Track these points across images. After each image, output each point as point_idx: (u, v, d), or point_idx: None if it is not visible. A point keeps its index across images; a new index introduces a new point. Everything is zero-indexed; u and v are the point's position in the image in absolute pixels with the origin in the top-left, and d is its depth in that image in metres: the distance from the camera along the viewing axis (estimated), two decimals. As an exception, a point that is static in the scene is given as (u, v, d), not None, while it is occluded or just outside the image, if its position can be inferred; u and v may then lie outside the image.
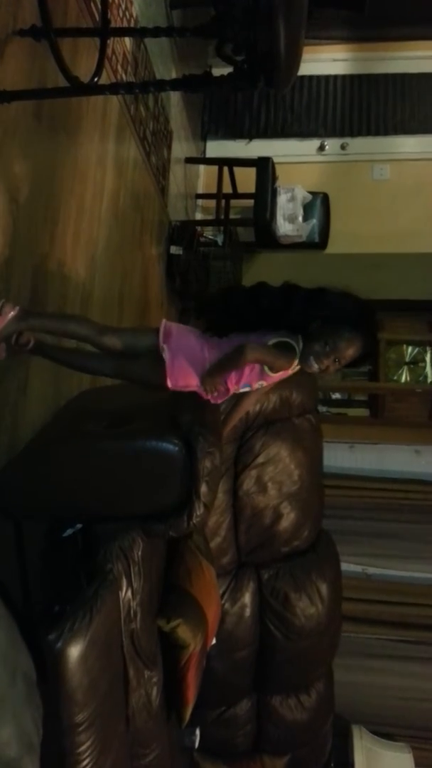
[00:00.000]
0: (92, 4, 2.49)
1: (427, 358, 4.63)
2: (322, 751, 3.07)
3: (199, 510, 1.81)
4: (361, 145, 4.97)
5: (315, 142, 4.99)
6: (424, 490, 4.30)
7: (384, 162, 4.94)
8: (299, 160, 4.95)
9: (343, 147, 4.99)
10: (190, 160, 4.64)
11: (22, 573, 1.92)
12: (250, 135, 4.99)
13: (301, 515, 2.77)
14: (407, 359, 4.65)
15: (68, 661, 1.51)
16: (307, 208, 4.69)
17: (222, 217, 4.48)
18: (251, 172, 4.39)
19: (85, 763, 1.59)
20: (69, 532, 1.98)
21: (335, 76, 5.00)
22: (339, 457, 4.38)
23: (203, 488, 1.81)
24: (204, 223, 4.62)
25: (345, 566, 3.05)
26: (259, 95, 4.97)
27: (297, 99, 5.00)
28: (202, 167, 5.03)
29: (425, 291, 4.57)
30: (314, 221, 4.74)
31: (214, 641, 2.28)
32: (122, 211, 3.14)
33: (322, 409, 4.50)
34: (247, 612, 2.68)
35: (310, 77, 4.96)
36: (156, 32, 2.19)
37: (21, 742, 1.30)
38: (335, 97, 5.00)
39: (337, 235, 4.81)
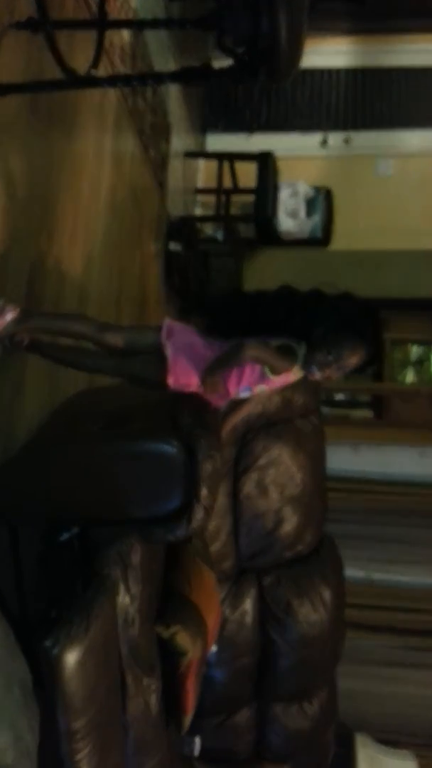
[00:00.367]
0: (89, -5, 2.50)
1: (433, 358, 4.64)
2: (324, 760, 3.07)
3: (199, 514, 1.82)
4: (364, 139, 4.97)
5: (317, 136, 5.00)
6: (429, 494, 4.30)
7: (388, 157, 4.95)
8: (301, 154, 4.95)
9: (346, 141, 4.99)
10: (189, 155, 4.65)
11: (18, 578, 1.92)
12: (251, 128, 4.99)
13: (304, 519, 2.77)
14: (413, 359, 4.66)
15: (65, 667, 1.52)
16: (310, 204, 4.70)
17: (222, 212, 4.49)
18: (252, 166, 4.40)
19: (82, 771, 1.60)
20: (66, 536, 1.99)
21: (338, 69, 5.00)
22: (342, 459, 4.38)
23: (203, 492, 1.82)
24: (204, 219, 4.63)
25: (349, 571, 3.05)
26: (260, 88, 4.98)
27: (299, 92, 5.00)
28: (201, 161, 5.03)
29: (430, 289, 4.57)
30: (317, 217, 4.74)
31: (214, 648, 2.29)
32: (120, 206, 3.14)
33: (324, 410, 4.50)
34: (248, 618, 2.68)
35: (313, 70, 4.96)
36: (154, 24, 2.21)
37: (18, 750, 1.31)
38: (338, 91, 5.00)
39: (341, 232, 4.82)
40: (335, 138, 4.99)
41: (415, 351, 4.68)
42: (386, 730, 3.63)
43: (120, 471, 1.85)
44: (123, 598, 1.79)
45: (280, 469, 2.73)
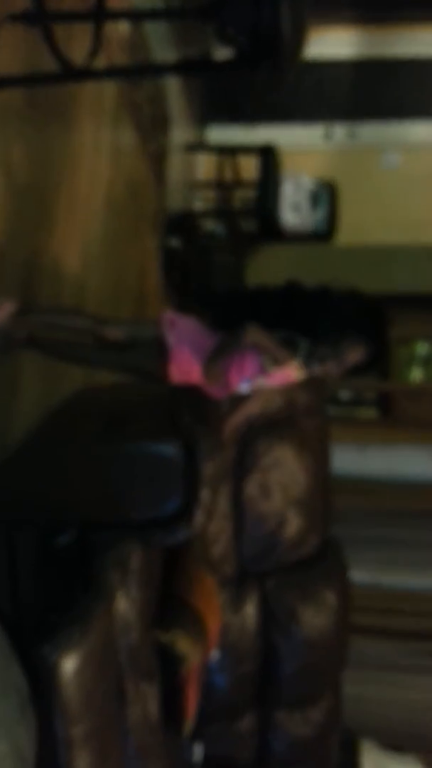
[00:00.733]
0: (86, -15, 2.50)
1: (440, 356, 4.63)
2: (328, 767, 3.08)
3: (199, 516, 1.83)
4: (369, 131, 4.97)
5: (321, 129, 4.99)
6: (437, 495, 4.30)
7: (394, 149, 4.94)
8: (305, 147, 4.95)
9: (351, 133, 4.99)
10: (189, 148, 4.65)
11: (13, 582, 1.93)
12: (253, 121, 4.99)
13: (308, 521, 2.77)
14: (419, 356, 4.65)
15: (63, 674, 1.52)
16: (313, 198, 4.69)
17: (223, 207, 4.48)
18: (254, 159, 4.39)
19: (81, 780, 1.60)
20: (63, 539, 2.00)
21: (342, 60, 4.99)
22: (348, 459, 4.37)
23: (204, 493, 1.82)
24: (204, 213, 4.63)
25: (354, 575, 3.06)
26: (261, 80, 4.97)
27: (302, 83, 5.00)
28: (202, 155, 5.03)
29: (438, 284, 4.57)
30: (320, 212, 4.74)
31: (215, 653, 2.30)
32: (118, 200, 3.15)
33: (329, 409, 4.50)
34: (251, 623, 2.68)
35: (316, 61, 4.95)
36: (153, 15, 2.21)
37: (15, 758, 1.31)
38: (342, 82, 4.99)
39: (345, 226, 4.80)
40: (339, 130, 4.99)
41: (421, 348, 4.67)
42: (392, 736, 3.64)
43: (119, 472, 1.86)
44: (122, 603, 1.79)
45: (283, 471, 2.73)
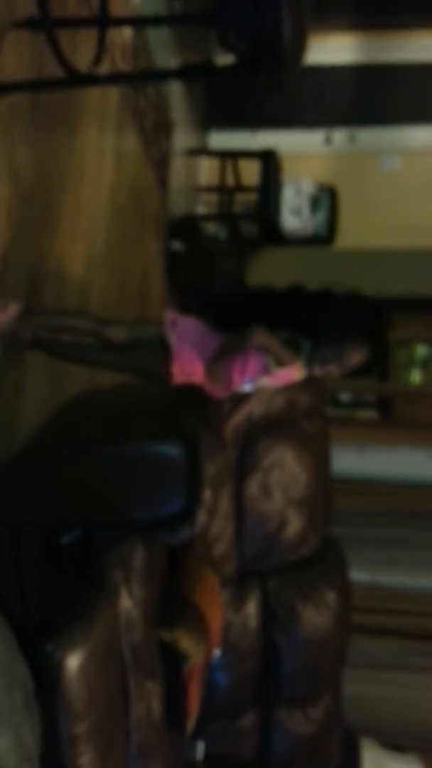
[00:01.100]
0: (90, -8, 2.50)
1: (440, 358, 4.62)
2: (328, 765, 3.07)
3: (202, 516, 1.82)
4: (370, 136, 4.97)
5: (321, 134, 4.99)
6: (436, 496, 4.29)
7: (394, 153, 4.94)
8: (305, 151, 4.95)
9: (351, 138, 4.99)
10: (191, 152, 4.65)
11: (19, 581, 1.93)
12: (254, 126, 4.99)
13: (308, 522, 2.77)
14: (418, 359, 4.65)
15: (67, 671, 1.52)
16: (314, 202, 4.69)
17: (225, 211, 4.49)
18: (255, 164, 4.40)
19: (85, 776, 1.60)
20: (67, 539, 1.99)
21: (342, 65, 5.00)
22: (347, 460, 4.37)
23: (206, 493, 1.82)
24: (206, 217, 4.63)
25: (354, 575, 3.05)
26: (263, 85, 4.97)
27: (303, 89, 5.00)
28: (204, 159, 5.03)
29: (437, 288, 4.56)
30: (321, 215, 4.74)
31: (217, 652, 2.29)
32: (122, 205, 3.15)
33: (329, 410, 4.49)
34: (252, 622, 2.68)
35: (316, 66, 4.96)
36: (156, 21, 2.21)
37: (19, 755, 1.31)
38: (342, 87, 5.00)
39: (345, 230, 4.80)
40: (340, 135, 4.99)
41: (421, 351, 4.67)
42: (392, 735, 3.63)
43: (122, 472, 1.86)
44: (125, 602, 1.79)
45: (284, 471, 2.73)
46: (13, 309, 1.87)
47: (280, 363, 1.83)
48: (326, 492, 2.91)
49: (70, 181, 2.52)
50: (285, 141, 4.84)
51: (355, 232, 4.78)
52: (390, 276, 4.53)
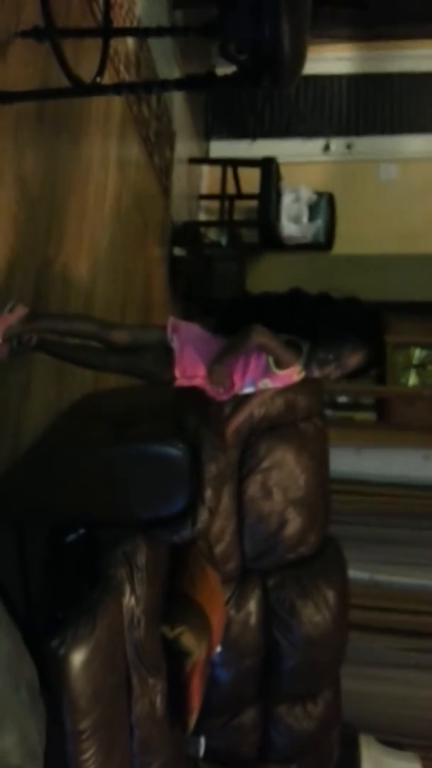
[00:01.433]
0: (95, 5, 2.51)
1: (436, 361, 4.62)
2: (328, 761, 3.06)
3: (204, 515, 1.82)
4: (367, 144, 4.97)
5: (320, 142, 5.00)
6: (432, 496, 4.29)
7: (391, 161, 4.94)
8: (304, 160, 4.95)
9: (348, 147, 4.99)
10: (193, 161, 4.65)
11: (24, 579, 1.92)
12: (254, 135, 5.00)
13: (307, 521, 2.77)
14: (415, 362, 4.64)
15: (71, 667, 1.52)
16: (313, 209, 4.70)
17: (226, 218, 4.49)
18: (255, 172, 4.40)
19: (88, 771, 1.59)
20: (71, 537, 1.99)
21: (340, 75, 5.01)
22: (345, 461, 4.36)
23: (208, 493, 1.82)
24: (208, 224, 4.64)
25: (352, 573, 3.05)
26: (263, 95, 4.99)
27: (302, 98, 5.01)
28: (205, 168, 5.03)
29: (433, 292, 4.56)
30: (320, 222, 4.74)
31: (218, 649, 2.29)
32: (125, 212, 3.15)
33: (327, 412, 4.49)
34: (253, 619, 2.68)
35: (315, 76, 4.97)
36: (159, 32, 2.21)
37: (24, 750, 1.30)
38: (340, 96, 5.01)
39: (343, 236, 4.81)
40: (338, 143, 4.99)
41: (417, 354, 4.66)
42: (391, 732, 3.61)
43: (126, 473, 1.86)
44: (128, 599, 1.79)
45: (283, 472, 2.73)
46: (20, 312, 1.87)
47: (281, 364, 1.82)
48: (325, 492, 2.91)
49: (75, 188, 2.52)
50: (284, 149, 4.84)
51: (353, 238, 4.79)
52: (387, 281, 4.53)
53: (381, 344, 1.92)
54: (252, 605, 2.68)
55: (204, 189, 5.04)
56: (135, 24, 3.11)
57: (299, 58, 1.84)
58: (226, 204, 4.51)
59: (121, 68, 2.96)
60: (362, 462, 4.48)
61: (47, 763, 1.39)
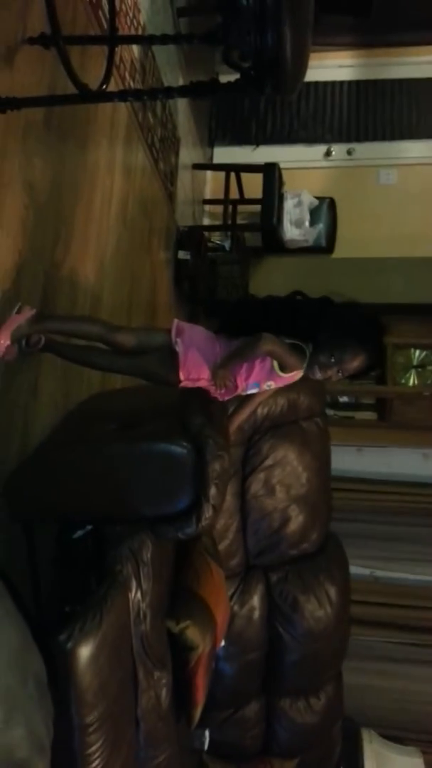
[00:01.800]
0: (100, 12, 2.51)
1: (435, 362, 4.60)
2: (331, 755, 3.05)
3: (208, 512, 1.81)
4: (367, 150, 4.96)
5: (321, 148, 4.99)
6: (431, 494, 4.28)
7: (390, 167, 4.93)
8: (306, 165, 4.94)
9: (349, 152, 4.98)
10: (197, 167, 4.65)
11: (33, 574, 1.92)
12: (257, 141, 4.99)
13: (309, 518, 2.76)
14: (415, 363, 4.63)
15: (78, 661, 1.51)
16: (314, 213, 4.69)
17: (229, 222, 4.49)
18: (258, 177, 4.40)
19: (95, 764, 1.58)
20: (79, 534, 1.99)
21: (341, 82, 5.00)
22: (347, 460, 4.36)
23: (212, 491, 1.81)
24: (211, 228, 4.63)
25: (353, 569, 3.04)
26: (265, 101, 4.98)
27: (303, 105, 5.00)
28: (209, 173, 5.04)
29: (432, 295, 4.55)
30: (321, 226, 4.73)
31: (222, 643, 2.28)
32: (131, 217, 3.15)
33: (329, 412, 4.48)
34: (256, 614, 2.67)
35: (317, 83, 4.97)
36: (163, 39, 2.20)
37: (32, 743, 1.30)
38: (341, 103, 5.00)
39: (344, 240, 4.80)
40: (339, 149, 4.99)
41: (417, 355, 4.65)
42: (392, 726, 3.61)
43: (131, 471, 1.85)
44: (135, 594, 1.78)
45: (286, 470, 2.72)
46: (27, 313, 1.87)
47: (285, 368, 1.81)
48: (327, 490, 2.90)
49: (82, 193, 2.52)
50: (286, 155, 4.84)
51: (354, 242, 4.78)
52: (387, 284, 4.52)
53: (381, 346, 1.92)
54: (255, 600, 2.67)
55: (208, 194, 5.04)
56: (140, 32, 3.11)
57: (301, 66, 1.83)
58: (230, 209, 4.50)
59: (127, 75, 2.96)
60: (363, 460, 4.47)
61: (54, 756, 1.38)
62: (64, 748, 1.51)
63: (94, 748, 1.57)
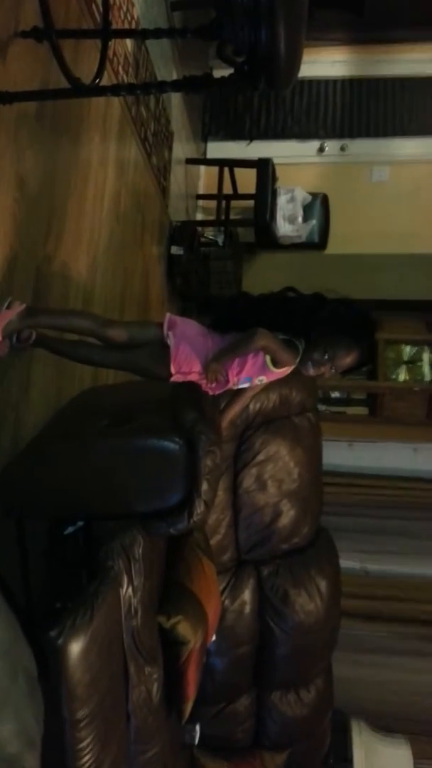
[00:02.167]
0: (93, 6, 2.48)
1: (425, 358, 4.61)
2: (321, 746, 3.06)
3: (200, 508, 1.81)
4: (360, 146, 4.95)
5: (315, 144, 4.98)
6: (421, 488, 4.30)
7: (383, 163, 4.93)
8: (299, 161, 4.93)
9: (342, 148, 4.97)
10: (190, 161, 4.63)
11: (24, 570, 1.91)
12: (250, 136, 4.97)
13: (301, 513, 2.76)
14: (405, 358, 4.64)
15: (69, 657, 1.50)
16: (307, 209, 4.68)
17: (222, 217, 4.47)
18: (251, 173, 4.38)
19: (85, 759, 1.58)
20: (70, 529, 1.98)
21: (335, 79, 4.98)
22: (338, 455, 4.37)
23: (204, 486, 1.80)
24: (205, 223, 4.61)
25: (344, 563, 3.04)
26: (259, 97, 4.96)
27: (297, 101, 4.98)
28: (202, 168, 5.01)
29: (423, 291, 4.56)
30: (314, 222, 4.73)
31: (214, 638, 2.28)
32: (123, 211, 3.13)
33: (321, 407, 4.49)
34: (247, 608, 2.67)
35: (310, 79, 4.95)
36: (157, 34, 2.18)
37: (22, 739, 1.29)
38: (335, 99, 4.98)
39: (337, 236, 4.80)
40: (332, 145, 4.97)
41: (408, 351, 4.66)
42: (381, 717, 3.62)
43: (123, 466, 1.84)
44: (126, 590, 1.77)
45: (278, 465, 2.72)
46: (17, 308, 1.85)
47: (278, 364, 1.81)
48: (318, 484, 2.90)
49: (75, 187, 2.50)
50: (280, 151, 4.83)
51: (346, 238, 4.78)
52: (379, 280, 4.53)
53: (373, 342, 1.92)
54: (246, 595, 2.67)
55: (201, 189, 5.02)
56: (134, 26, 3.08)
57: (295, 61, 1.82)
58: (223, 204, 4.49)
59: (120, 69, 2.93)
60: (354, 455, 4.49)
61: (44, 751, 1.37)
62: (54, 744, 1.51)
63: (84, 743, 1.57)
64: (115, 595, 1.73)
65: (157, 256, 3.86)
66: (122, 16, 2.91)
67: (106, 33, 2.19)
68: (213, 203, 4.61)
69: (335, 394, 4.72)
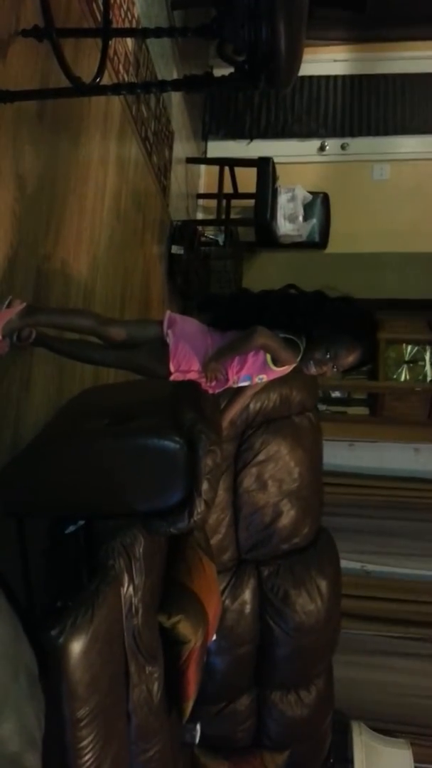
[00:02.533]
0: (94, 5, 2.48)
1: (426, 357, 4.61)
2: (321, 747, 3.06)
3: (200, 507, 1.81)
4: (361, 145, 4.95)
5: (315, 143, 4.98)
6: (422, 488, 4.30)
7: (384, 162, 4.93)
8: (300, 160, 4.93)
9: (343, 147, 4.97)
10: (191, 160, 4.63)
11: (25, 569, 1.91)
12: (251, 135, 4.98)
13: (301, 513, 2.76)
14: (406, 358, 4.64)
15: (70, 656, 1.51)
16: (308, 208, 4.68)
17: (223, 216, 4.47)
18: (252, 172, 4.38)
19: (86, 758, 1.59)
20: (71, 528, 1.98)
21: (336, 77, 4.98)
22: (339, 455, 4.37)
23: (204, 486, 1.81)
24: (205, 222, 4.62)
25: (344, 563, 3.05)
26: (259, 95, 4.96)
27: (297, 99, 4.99)
28: (203, 167, 5.01)
29: (424, 290, 4.56)
30: (314, 221, 4.73)
31: (214, 637, 2.28)
32: (124, 210, 3.13)
33: (321, 407, 4.49)
34: (248, 608, 2.67)
35: (311, 78, 4.95)
36: (158, 33, 2.18)
37: (23, 738, 1.29)
38: (336, 98, 4.98)
39: (337, 235, 4.80)
40: (333, 144, 4.98)
41: (409, 350, 4.66)
42: (381, 718, 3.63)
43: (124, 466, 1.84)
44: (127, 589, 1.78)
45: (278, 464, 2.72)
46: (17, 307, 1.86)
47: (279, 362, 1.82)
48: (318, 484, 2.91)
49: (75, 186, 2.50)
50: (280, 149, 4.83)
51: (347, 237, 4.78)
52: (380, 279, 4.53)
53: (374, 341, 1.92)
54: (247, 594, 2.68)
55: (202, 188, 5.02)
56: (134, 24, 3.08)
57: (295, 60, 1.82)
58: (224, 203, 4.49)
59: (120, 68, 2.94)
60: (355, 455, 4.49)
61: (45, 750, 1.37)
62: (55, 742, 1.51)
63: (85, 742, 1.58)
64: (115, 594, 1.74)
65: (157, 255, 3.86)
66: (123, 14, 2.92)
67: (106, 32, 2.20)
68: (213, 202, 4.61)
69: (336, 394, 4.72)
